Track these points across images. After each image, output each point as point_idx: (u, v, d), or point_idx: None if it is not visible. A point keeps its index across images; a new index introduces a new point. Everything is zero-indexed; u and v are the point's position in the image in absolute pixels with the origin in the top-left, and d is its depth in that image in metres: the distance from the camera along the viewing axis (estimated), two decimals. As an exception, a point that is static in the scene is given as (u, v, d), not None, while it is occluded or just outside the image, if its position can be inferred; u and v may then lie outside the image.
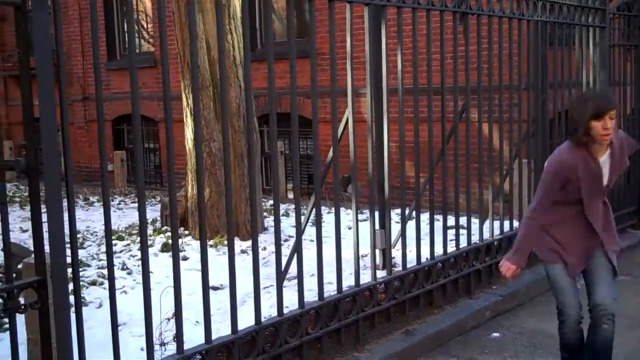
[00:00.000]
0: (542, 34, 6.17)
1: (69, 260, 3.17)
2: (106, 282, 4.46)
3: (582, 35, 6.64)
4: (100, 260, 6.49)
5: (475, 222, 5.57)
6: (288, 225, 7.54)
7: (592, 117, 3.50)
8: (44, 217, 3.05)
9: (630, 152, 3.87)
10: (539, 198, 3.75)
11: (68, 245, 3.16)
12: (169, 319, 4.27)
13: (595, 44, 6.86)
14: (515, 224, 6.03)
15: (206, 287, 3.66)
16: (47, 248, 3.11)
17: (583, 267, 3.86)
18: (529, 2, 5.79)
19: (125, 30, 13.06)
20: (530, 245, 3.87)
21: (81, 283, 5.53)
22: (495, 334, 4.94)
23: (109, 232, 3.36)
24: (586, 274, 3.89)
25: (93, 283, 5.74)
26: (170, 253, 3.96)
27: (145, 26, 13.34)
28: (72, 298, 3.24)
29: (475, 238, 5.55)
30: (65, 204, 3.13)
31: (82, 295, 5.22)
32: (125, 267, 6.21)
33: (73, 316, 3.19)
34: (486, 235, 5.63)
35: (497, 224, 5.75)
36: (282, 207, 8.84)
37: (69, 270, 3.19)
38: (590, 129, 3.52)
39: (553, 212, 3.76)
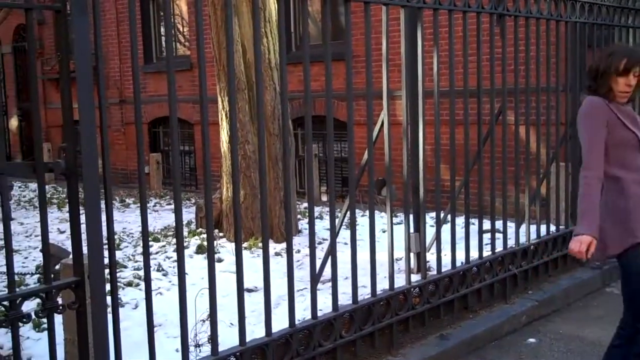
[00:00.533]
0: (581, 36, 6.08)
1: (106, 261, 3.21)
2: (142, 284, 4.50)
3: (621, 36, 6.53)
4: (136, 261, 6.55)
5: (511, 226, 5.51)
6: (322, 228, 7.54)
7: (618, 71, 3.34)
8: (82, 219, 3.09)
9: None
10: (587, 147, 3.37)
11: (105, 247, 3.20)
12: (203, 321, 4.29)
13: (635, 45, 6.74)
14: (552, 228, 5.95)
15: (241, 289, 3.68)
16: (84, 249, 3.15)
17: None
18: (567, 3, 5.72)
19: (162, 33, 13.23)
20: (597, 206, 3.33)
21: (118, 284, 5.61)
22: (532, 340, 4.87)
23: (145, 234, 3.39)
24: None
25: (129, 284, 5.80)
26: (204, 255, 3.98)
27: (181, 30, 13.47)
28: (108, 299, 3.29)
29: (511, 242, 5.49)
30: (103, 205, 3.16)
31: (118, 296, 5.31)
32: (160, 268, 6.26)
33: (110, 317, 3.23)
34: (522, 239, 5.56)
35: (533, 227, 5.68)
36: (317, 210, 8.85)
37: (106, 271, 3.23)
38: (613, 84, 3.36)
39: (612, 180, 3.37)
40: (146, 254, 3.38)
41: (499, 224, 5.42)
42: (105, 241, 3.19)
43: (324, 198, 10.40)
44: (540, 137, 5.79)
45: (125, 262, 6.59)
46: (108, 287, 3.26)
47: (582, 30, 6.07)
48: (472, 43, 5.08)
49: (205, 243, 3.78)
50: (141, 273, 5.59)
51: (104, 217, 3.17)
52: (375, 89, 4.54)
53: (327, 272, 4.47)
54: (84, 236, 3.12)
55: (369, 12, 4.23)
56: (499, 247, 5.37)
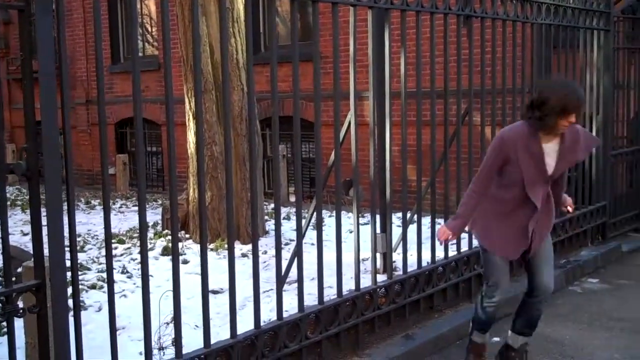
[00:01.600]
0: (546, 37, 6.15)
1: (68, 264, 3.16)
2: (106, 286, 4.44)
3: (586, 38, 6.62)
4: (100, 263, 6.47)
5: (477, 226, 5.54)
6: (289, 229, 7.52)
7: (571, 111, 3.63)
8: (44, 221, 3.04)
9: (588, 149, 4.05)
10: (480, 170, 3.94)
11: (68, 249, 3.16)
12: (167, 323, 4.25)
13: (599, 47, 6.84)
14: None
15: (205, 291, 3.65)
16: (46, 252, 3.10)
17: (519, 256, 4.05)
18: (533, 4, 5.78)
19: (127, 33, 13.12)
20: (469, 216, 4.03)
21: (81, 287, 5.54)
22: (496, 339, 4.90)
23: (108, 235, 3.35)
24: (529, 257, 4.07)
25: (93, 287, 5.73)
26: (170, 257, 3.95)
27: (149, 29, 13.36)
28: (71, 302, 3.24)
29: (476, 242, 5.51)
30: (65, 207, 3.11)
31: (81, 299, 5.23)
32: (125, 270, 6.19)
33: (72, 320, 3.18)
34: (488, 239, 5.60)
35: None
36: (284, 211, 8.83)
37: (69, 274, 3.18)
38: (560, 120, 3.65)
39: (500, 200, 3.93)
40: (109, 256, 3.33)
41: (465, 224, 5.44)
42: (68, 243, 3.13)
43: (292, 199, 10.39)
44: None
45: (90, 265, 6.52)
46: (70, 290, 3.21)
47: (548, 32, 6.14)
48: (440, 44, 5.11)
49: (171, 245, 3.75)
50: (105, 275, 5.52)
51: (66, 219, 3.12)
52: (343, 89, 4.54)
53: (294, 273, 4.46)
54: (45, 238, 3.07)
55: (336, 12, 4.23)
56: (465, 247, 5.41)
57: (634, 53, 7.68)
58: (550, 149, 3.82)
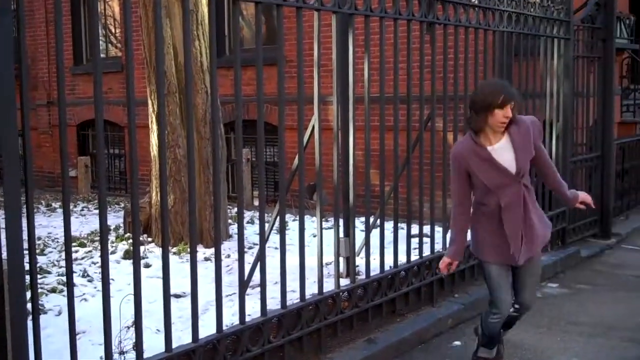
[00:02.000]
0: (508, 45, 6.23)
1: (27, 267, 3.12)
2: (66, 290, 4.39)
3: (546, 46, 6.73)
4: (61, 267, 6.39)
5: (439, 230, 5.59)
6: (253, 232, 7.51)
7: (497, 106, 3.70)
8: (2, 224, 2.99)
9: (540, 130, 4.05)
10: (452, 192, 4.01)
11: (27, 252, 3.11)
12: (128, 327, 4.21)
13: (559, 55, 6.96)
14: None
15: (167, 295, 3.62)
16: (4, 255, 3.05)
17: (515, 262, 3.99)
18: (495, 12, 5.86)
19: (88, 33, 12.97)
20: (462, 237, 4.07)
21: (41, 290, 5.46)
22: (457, 342, 4.96)
23: (68, 238, 3.31)
24: (514, 272, 4.10)
25: (53, 290, 5.65)
26: (132, 260, 3.92)
27: (112, 31, 13.23)
28: (29, 306, 3.19)
29: (438, 247, 5.58)
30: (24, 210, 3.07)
31: (41, 302, 5.17)
32: (86, 274, 6.12)
33: (30, 324, 3.14)
34: (450, 244, 5.65)
35: (461, 232, 5.77)
36: (248, 215, 8.81)
37: (27, 277, 3.13)
38: (490, 117, 3.74)
39: (483, 213, 3.97)
40: (69, 259, 3.29)
41: (427, 229, 5.50)
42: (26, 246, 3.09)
43: (257, 202, 10.36)
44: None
45: (50, 268, 6.43)
46: (29, 293, 3.16)
47: (509, 39, 6.23)
48: (403, 50, 5.16)
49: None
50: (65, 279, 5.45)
51: (26, 222, 3.08)
52: (308, 94, 4.55)
53: (258, 277, 4.45)
54: (3, 241, 3.02)
55: (301, 17, 4.24)
56: (427, 252, 5.45)
57: (593, 61, 7.83)
58: (503, 147, 3.85)
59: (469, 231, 4.12)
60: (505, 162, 3.85)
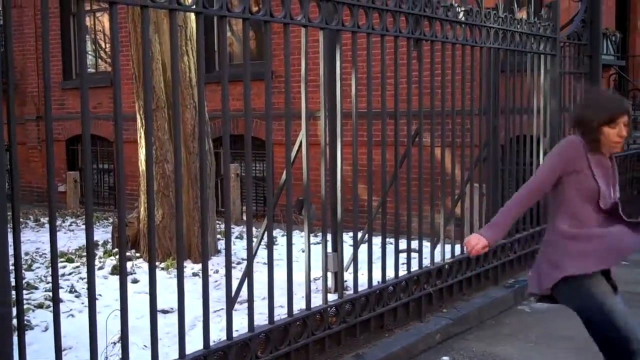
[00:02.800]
0: (495, 61, 6.28)
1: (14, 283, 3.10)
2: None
3: (533, 62, 6.78)
4: (48, 282, 6.35)
5: (427, 245, 5.60)
6: (241, 247, 7.49)
7: (606, 122, 3.27)
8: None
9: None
10: (538, 172, 3.54)
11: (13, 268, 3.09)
12: (115, 343, 4.19)
13: (546, 71, 7.01)
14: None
15: (154, 310, 3.61)
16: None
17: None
18: (482, 29, 5.91)
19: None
20: (508, 224, 3.58)
21: (28, 306, 5.44)
22: (445, 358, 4.96)
23: (54, 253, 3.29)
24: None
25: (40, 306, 5.62)
26: (119, 275, 3.91)
27: (102, 46, 13.23)
28: (15, 322, 3.17)
29: (427, 262, 5.58)
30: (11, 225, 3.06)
31: (28, 318, 5.14)
32: (73, 289, 6.09)
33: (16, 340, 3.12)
34: (437, 258, 5.67)
35: (448, 247, 5.80)
36: (237, 230, 8.80)
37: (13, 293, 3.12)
38: (601, 135, 3.29)
39: (574, 224, 3.42)
40: (55, 275, 3.28)
41: (415, 244, 5.51)
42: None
43: (246, 217, 10.35)
44: (455, 159, 5.94)
45: (37, 284, 6.40)
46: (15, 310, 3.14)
47: (496, 55, 6.28)
48: (390, 66, 5.19)
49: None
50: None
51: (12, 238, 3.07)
52: (296, 109, 4.57)
53: (246, 292, 4.44)
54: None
55: (288, 33, 4.26)
56: (415, 267, 5.46)
57: (579, 77, 7.89)
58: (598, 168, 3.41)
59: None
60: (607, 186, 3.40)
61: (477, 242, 3.48)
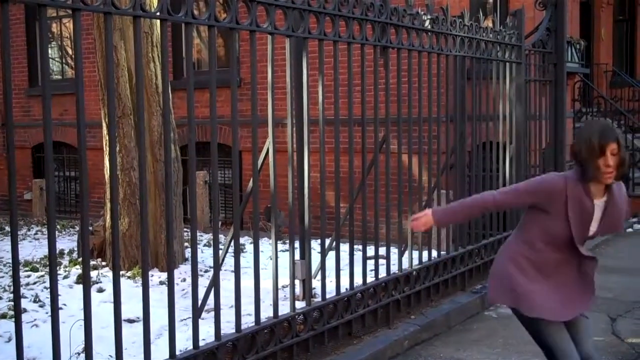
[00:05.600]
0: (461, 68, 6.34)
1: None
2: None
3: (499, 70, 6.85)
4: (12, 292, 6.23)
5: (394, 252, 5.62)
6: (210, 255, 7.44)
7: (597, 154, 3.16)
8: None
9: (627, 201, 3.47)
10: (513, 187, 3.53)
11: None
12: (79, 353, 4.14)
13: (512, 79, 7.09)
14: (434, 253, 6.12)
15: (118, 320, 3.57)
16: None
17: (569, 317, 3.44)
18: (448, 37, 5.95)
19: (50, 55, 12.83)
20: (463, 215, 3.66)
21: (-10, 316, 5.35)
22: (413, 365, 4.97)
23: (16, 262, 3.24)
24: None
25: (3, 316, 5.53)
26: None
27: (70, 52, 13.10)
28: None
29: (394, 268, 5.60)
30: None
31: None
32: (38, 299, 6.00)
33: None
34: (405, 265, 5.69)
35: (416, 254, 5.82)
36: (205, 238, 8.75)
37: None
38: (596, 166, 3.18)
39: (536, 254, 3.41)
40: (16, 284, 3.22)
41: (383, 250, 5.52)
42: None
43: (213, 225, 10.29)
44: (422, 166, 5.97)
45: (0, 293, 6.29)
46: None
47: (462, 63, 6.33)
48: (357, 73, 5.20)
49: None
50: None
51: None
52: (263, 116, 4.56)
53: (213, 301, 4.41)
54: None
55: (254, 40, 4.26)
56: (383, 273, 5.47)
57: (544, 85, 7.99)
58: (598, 206, 3.34)
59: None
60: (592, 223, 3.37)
61: (425, 219, 3.53)
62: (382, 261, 5.50)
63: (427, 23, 5.65)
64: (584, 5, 12.08)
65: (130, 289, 6.18)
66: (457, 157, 6.46)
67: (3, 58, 3.15)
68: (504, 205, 3.61)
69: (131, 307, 5.39)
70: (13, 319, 5.36)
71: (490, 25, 6.71)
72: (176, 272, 6.36)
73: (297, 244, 4.93)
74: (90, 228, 6.55)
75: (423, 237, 5.96)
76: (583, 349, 3.44)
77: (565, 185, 3.29)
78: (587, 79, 11.98)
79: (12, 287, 6.36)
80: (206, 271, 6.83)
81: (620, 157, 3.19)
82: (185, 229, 7.98)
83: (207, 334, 4.40)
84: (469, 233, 6.56)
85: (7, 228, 10.61)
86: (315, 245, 5.94)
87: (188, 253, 7.60)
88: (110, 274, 6.78)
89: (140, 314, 5.09)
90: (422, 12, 5.61)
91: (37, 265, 7.44)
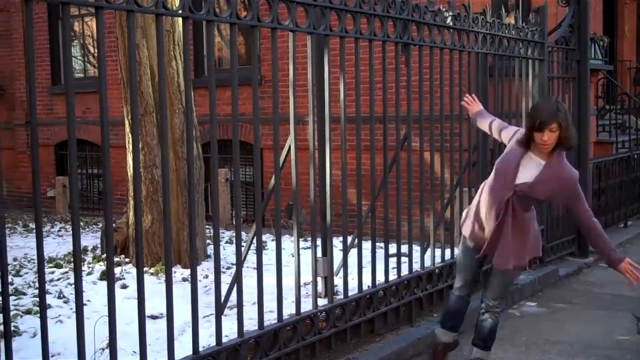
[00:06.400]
0: (483, 65, 6.30)
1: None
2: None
3: (521, 67, 6.80)
4: (36, 288, 6.30)
5: (417, 249, 5.60)
6: (231, 252, 7.47)
7: (534, 128, 3.90)
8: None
9: (566, 180, 4.06)
10: (503, 125, 4.62)
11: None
12: (103, 349, 4.17)
13: (534, 76, 7.03)
14: (457, 251, 6.08)
15: (142, 316, 3.59)
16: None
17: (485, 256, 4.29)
18: (470, 34, 5.92)
19: (73, 54, 12.93)
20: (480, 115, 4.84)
21: (16, 312, 5.40)
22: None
23: (41, 259, 3.27)
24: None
25: (28, 312, 5.58)
26: (107, 281, 3.89)
27: (91, 50, 13.20)
28: (1, 328, 3.15)
29: (417, 266, 5.58)
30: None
31: (16, 324, 5.10)
32: (62, 295, 6.05)
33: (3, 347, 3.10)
34: (427, 263, 5.67)
35: (438, 251, 5.80)
36: (227, 235, 8.78)
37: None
38: (533, 137, 3.95)
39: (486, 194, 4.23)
40: (41, 281, 3.26)
41: (405, 248, 5.51)
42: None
43: (235, 222, 10.32)
44: (444, 163, 5.95)
45: (25, 289, 6.35)
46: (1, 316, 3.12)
47: (485, 60, 6.29)
48: (379, 70, 5.19)
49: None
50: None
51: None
52: (285, 113, 4.57)
53: (236, 297, 4.43)
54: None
55: (276, 37, 4.26)
56: (405, 271, 5.46)
57: (567, 82, 7.92)
58: (535, 164, 4.04)
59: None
60: (523, 174, 4.05)
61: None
62: (404, 259, 5.48)
63: (448, 20, 5.62)
64: (607, 1, 11.95)
65: (153, 285, 6.21)
66: (479, 155, 6.43)
67: (27, 56, 3.18)
68: (488, 127, 4.71)
69: (154, 303, 5.42)
70: (37, 315, 5.44)
71: (513, 22, 6.66)
72: (198, 269, 6.39)
73: (318, 242, 4.93)
74: (114, 225, 6.61)
75: (445, 236, 5.95)
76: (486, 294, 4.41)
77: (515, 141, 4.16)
78: (610, 75, 11.85)
79: (36, 283, 6.44)
80: (228, 268, 6.85)
81: (561, 135, 3.88)
82: (206, 226, 8.02)
83: (229, 331, 4.41)
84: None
85: (31, 225, 10.74)
86: (336, 242, 5.93)
87: (209, 250, 7.65)
88: (133, 271, 6.84)
89: (163, 311, 5.13)
90: (444, 9, 5.59)
91: (61, 262, 7.51)
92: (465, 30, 5.83)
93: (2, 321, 3.14)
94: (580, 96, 8.02)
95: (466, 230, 4.37)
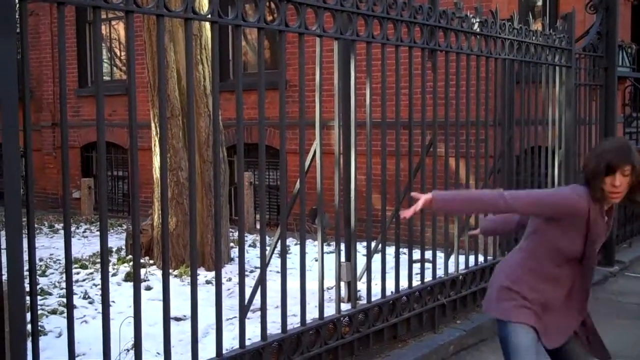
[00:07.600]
0: (510, 72, 6.27)
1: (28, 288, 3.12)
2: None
3: (548, 74, 6.76)
4: (62, 288, 6.37)
5: (440, 256, 5.58)
6: (254, 256, 7.50)
7: (604, 171, 3.04)
8: (3, 244, 3.00)
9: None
10: (516, 193, 3.29)
11: (27, 273, 3.11)
12: (128, 350, 4.20)
13: (561, 83, 6.99)
14: (481, 258, 6.07)
15: (167, 318, 3.62)
16: (4, 276, 3.05)
17: (560, 344, 3.37)
18: (497, 40, 5.89)
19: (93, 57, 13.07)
20: (468, 196, 3.40)
21: (42, 312, 5.46)
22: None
23: (69, 260, 3.31)
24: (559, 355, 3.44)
25: (54, 312, 5.63)
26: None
27: (118, 54, 13.32)
28: (29, 327, 3.18)
29: (440, 272, 5.56)
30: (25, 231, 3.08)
31: (42, 324, 5.16)
32: (87, 296, 6.11)
33: (30, 346, 3.13)
34: (451, 269, 5.65)
35: (462, 258, 5.77)
36: (250, 238, 8.80)
37: (28, 299, 3.13)
38: (602, 185, 3.06)
39: (540, 266, 3.26)
40: (69, 280, 3.29)
41: (428, 254, 5.49)
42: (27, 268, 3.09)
43: (259, 226, 10.34)
44: (469, 170, 5.92)
45: (51, 290, 6.42)
46: (29, 315, 3.16)
47: (511, 66, 6.26)
48: (405, 76, 5.18)
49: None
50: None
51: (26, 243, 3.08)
52: (310, 118, 4.58)
53: (259, 301, 4.44)
54: (4, 263, 3.02)
55: (303, 42, 4.28)
56: (429, 277, 5.44)
57: (594, 89, 7.86)
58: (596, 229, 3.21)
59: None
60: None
61: (422, 202, 3.22)
62: (428, 265, 5.46)
63: (475, 26, 5.60)
64: (635, 8, 11.83)
65: (177, 287, 6.25)
66: (504, 161, 6.39)
67: (59, 59, 3.22)
68: (515, 211, 3.25)
69: (178, 305, 5.44)
70: (63, 315, 5.50)
71: (540, 28, 6.62)
72: (222, 271, 6.42)
73: (342, 246, 4.93)
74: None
75: (469, 242, 5.91)
76: None
77: (588, 204, 3.10)
78: (638, 83, 11.72)
79: (62, 284, 6.51)
80: (251, 271, 6.88)
81: (630, 179, 3.06)
82: (230, 229, 8.06)
83: (252, 334, 4.43)
84: (515, 239, 6.47)
85: (57, 225, 10.85)
86: (360, 247, 5.92)
87: (233, 253, 7.68)
88: (157, 272, 6.89)
89: (186, 312, 5.18)
90: (471, 15, 5.57)
91: (86, 263, 7.58)
92: (492, 36, 5.81)
93: (29, 320, 3.17)
94: (607, 103, 7.96)
95: (551, 338, 3.38)
